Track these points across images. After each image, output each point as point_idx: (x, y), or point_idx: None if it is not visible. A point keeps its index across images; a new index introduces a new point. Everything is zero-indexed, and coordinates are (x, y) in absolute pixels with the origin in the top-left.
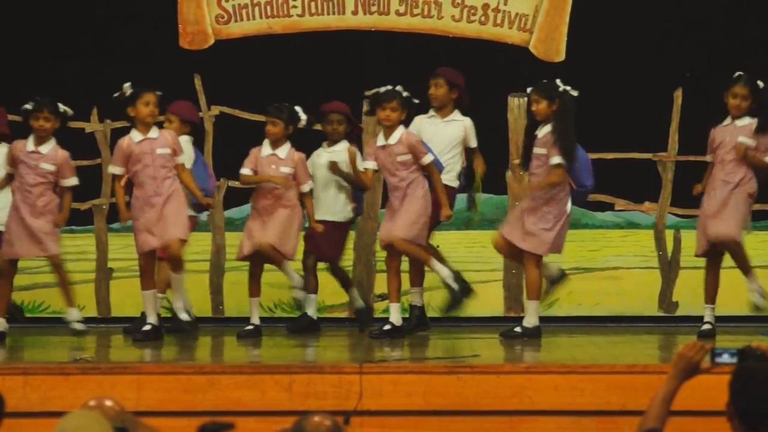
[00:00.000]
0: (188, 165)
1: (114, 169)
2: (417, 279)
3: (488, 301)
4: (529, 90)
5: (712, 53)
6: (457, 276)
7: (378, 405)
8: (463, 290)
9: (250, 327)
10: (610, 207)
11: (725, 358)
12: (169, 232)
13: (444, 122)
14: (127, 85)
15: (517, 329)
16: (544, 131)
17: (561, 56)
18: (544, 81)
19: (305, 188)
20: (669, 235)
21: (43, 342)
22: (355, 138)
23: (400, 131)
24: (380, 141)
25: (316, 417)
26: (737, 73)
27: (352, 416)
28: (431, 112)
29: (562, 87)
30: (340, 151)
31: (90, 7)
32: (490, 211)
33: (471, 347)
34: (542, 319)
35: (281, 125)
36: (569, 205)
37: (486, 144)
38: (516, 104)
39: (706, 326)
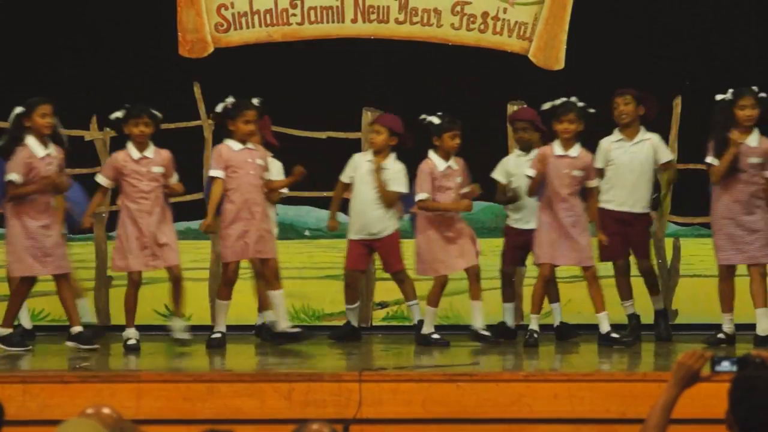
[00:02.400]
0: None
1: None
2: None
3: (488, 309)
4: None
5: (711, 61)
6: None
7: (377, 413)
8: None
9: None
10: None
11: (725, 366)
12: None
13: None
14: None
15: (720, 335)
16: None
17: (560, 64)
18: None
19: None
20: (669, 243)
21: (42, 350)
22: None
23: (579, 146)
24: (558, 151)
25: (315, 425)
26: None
27: (351, 424)
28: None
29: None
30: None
31: (89, 15)
32: (488, 219)
33: (470, 355)
34: (541, 327)
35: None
36: None
37: (484, 152)
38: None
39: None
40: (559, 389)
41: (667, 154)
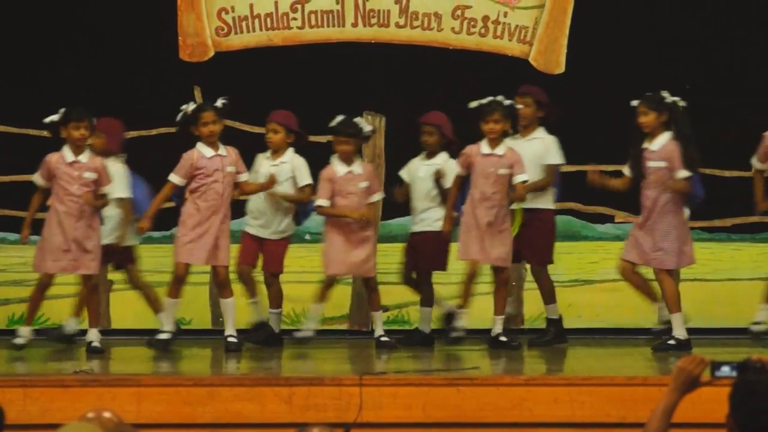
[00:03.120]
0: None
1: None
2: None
3: (489, 313)
4: (636, 102)
5: (712, 65)
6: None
7: (378, 417)
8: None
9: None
10: (610, 219)
11: (725, 371)
12: None
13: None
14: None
15: (671, 341)
16: (658, 144)
17: (561, 68)
18: (651, 93)
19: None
20: None
21: (42, 354)
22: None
23: (506, 144)
24: (485, 149)
25: (316, 429)
26: None
27: (352, 428)
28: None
29: (670, 98)
30: (439, 163)
31: (90, 18)
32: None
33: (471, 359)
34: (539, 331)
35: (352, 142)
36: (687, 212)
37: None
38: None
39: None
40: (560, 393)
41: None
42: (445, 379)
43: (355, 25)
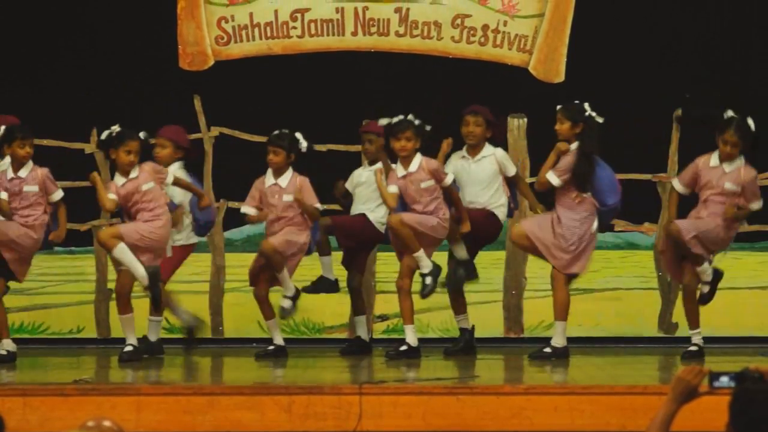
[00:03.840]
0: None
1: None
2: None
3: (488, 322)
4: (557, 108)
5: (711, 74)
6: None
7: (377, 426)
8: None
9: (272, 347)
10: (609, 228)
11: (723, 381)
12: None
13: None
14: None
15: (547, 350)
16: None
17: (560, 77)
18: (575, 102)
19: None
20: None
21: (42, 363)
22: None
23: (418, 158)
24: (400, 171)
25: None
26: (729, 115)
27: None
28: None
29: (588, 111)
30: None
31: (90, 28)
32: None
33: (471, 368)
34: (540, 340)
35: (283, 154)
36: (595, 225)
37: None
38: (516, 125)
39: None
40: (560, 402)
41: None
42: (445, 387)
43: (354, 33)
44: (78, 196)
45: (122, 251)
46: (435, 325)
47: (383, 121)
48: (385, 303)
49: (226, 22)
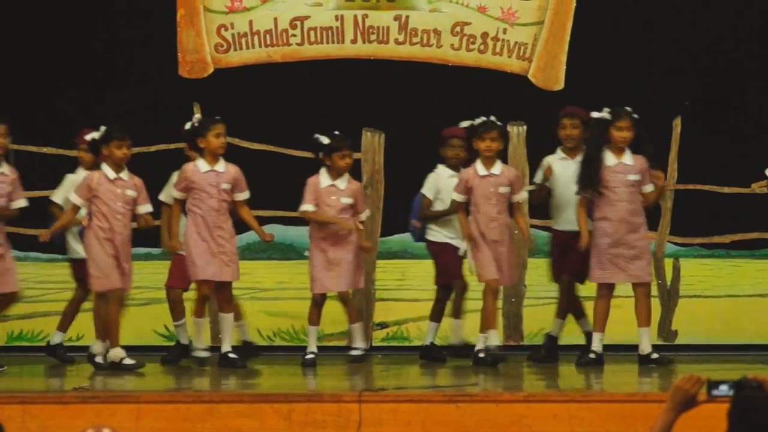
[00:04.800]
0: None
1: (176, 194)
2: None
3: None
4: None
5: (711, 82)
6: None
7: None
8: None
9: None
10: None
11: (722, 390)
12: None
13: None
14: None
15: (592, 355)
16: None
17: (560, 85)
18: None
19: (363, 216)
20: (668, 263)
21: (41, 371)
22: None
23: (500, 163)
24: (481, 171)
25: None
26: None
27: None
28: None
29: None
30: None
31: (89, 35)
32: None
33: (470, 376)
34: (540, 348)
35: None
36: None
37: None
38: (516, 132)
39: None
40: (559, 409)
41: None
42: (444, 395)
43: (354, 41)
44: None
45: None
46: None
47: (464, 124)
48: (385, 311)
49: (226, 29)
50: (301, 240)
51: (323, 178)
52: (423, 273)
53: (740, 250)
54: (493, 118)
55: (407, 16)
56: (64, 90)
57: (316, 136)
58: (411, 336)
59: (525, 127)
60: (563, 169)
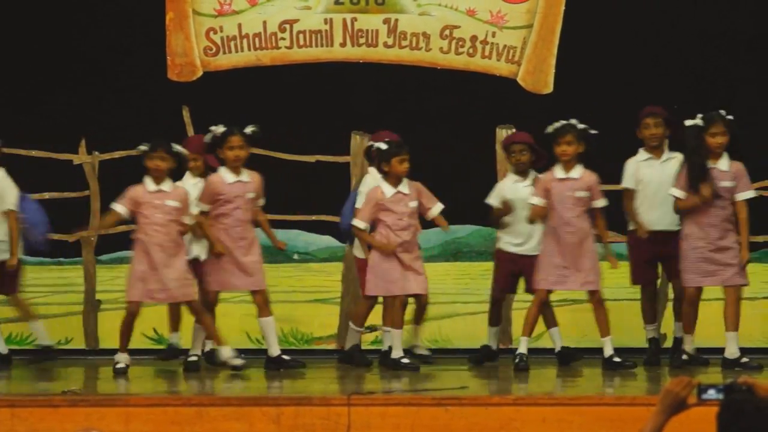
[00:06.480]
0: None
1: (202, 207)
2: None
3: (476, 332)
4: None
5: (699, 86)
6: None
7: None
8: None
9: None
10: (597, 239)
11: (712, 394)
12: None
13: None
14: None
15: (685, 356)
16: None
17: (549, 88)
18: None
19: (436, 211)
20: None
21: (30, 374)
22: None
23: (580, 167)
24: (559, 174)
25: None
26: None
27: None
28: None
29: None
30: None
31: (78, 39)
32: (477, 242)
33: (459, 379)
34: (530, 351)
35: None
36: None
37: (474, 175)
38: (504, 136)
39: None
40: (548, 413)
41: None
42: (433, 398)
43: (343, 44)
44: (66, 207)
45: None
46: (424, 336)
47: (549, 129)
48: (375, 314)
49: (215, 33)
50: (289, 243)
51: (386, 187)
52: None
53: None
54: (573, 121)
55: (396, 20)
56: (52, 94)
57: (372, 144)
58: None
59: (514, 130)
60: (649, 168)
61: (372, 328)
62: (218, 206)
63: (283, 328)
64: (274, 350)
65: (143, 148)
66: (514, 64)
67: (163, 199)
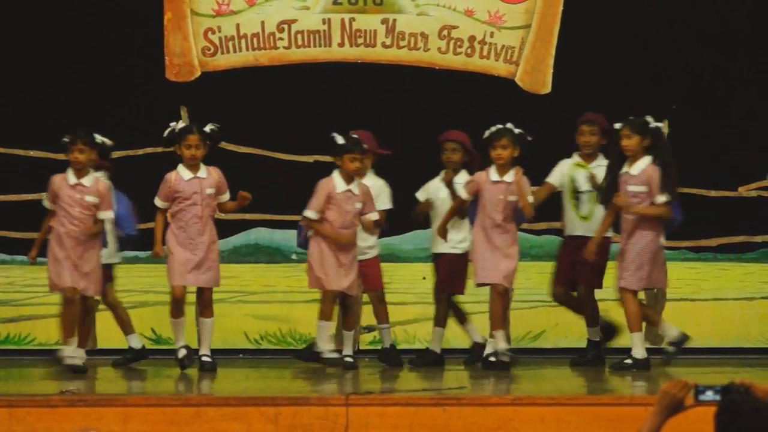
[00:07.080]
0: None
1: (159, 204)
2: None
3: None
4: (619, 125)
5: (698, 86)
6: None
7: None
8: None
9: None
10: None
11: (709, 395)
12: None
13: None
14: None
15: (628, 361)
16: (639, 168)
17: (547, 88)
18: (635, 117)
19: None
20: None
21: (28, 374)
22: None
23: (513, 172)
24: (494, 176)
25: None
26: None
27: None
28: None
29: (653, 123)
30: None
31: (77, 39)
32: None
33: (457, 379)
34: (528, 351)
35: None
36: (662, 239)
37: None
38: None
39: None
40: (546, 413)
41: None
42: (431, 399)
43: (341, 45)
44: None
45: None
46: (421, 335)
47: (486, 134)
48: (372, 314)
49: (213, 33)
50: (287, 243)
51: (338, 182)
52: (409, 276)
53: (727, 253)
54: (509, 125)
55: (394, 20)
56: (51, 94)
57: (333, 135)
58: (398, 339)
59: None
60: (578, 173)
61: (370, 328)
62: (176, 203)
63: (281, 328)
64: (206, 350)
65: (65, 140)
66: (512, 65)
67: (82, 193)
